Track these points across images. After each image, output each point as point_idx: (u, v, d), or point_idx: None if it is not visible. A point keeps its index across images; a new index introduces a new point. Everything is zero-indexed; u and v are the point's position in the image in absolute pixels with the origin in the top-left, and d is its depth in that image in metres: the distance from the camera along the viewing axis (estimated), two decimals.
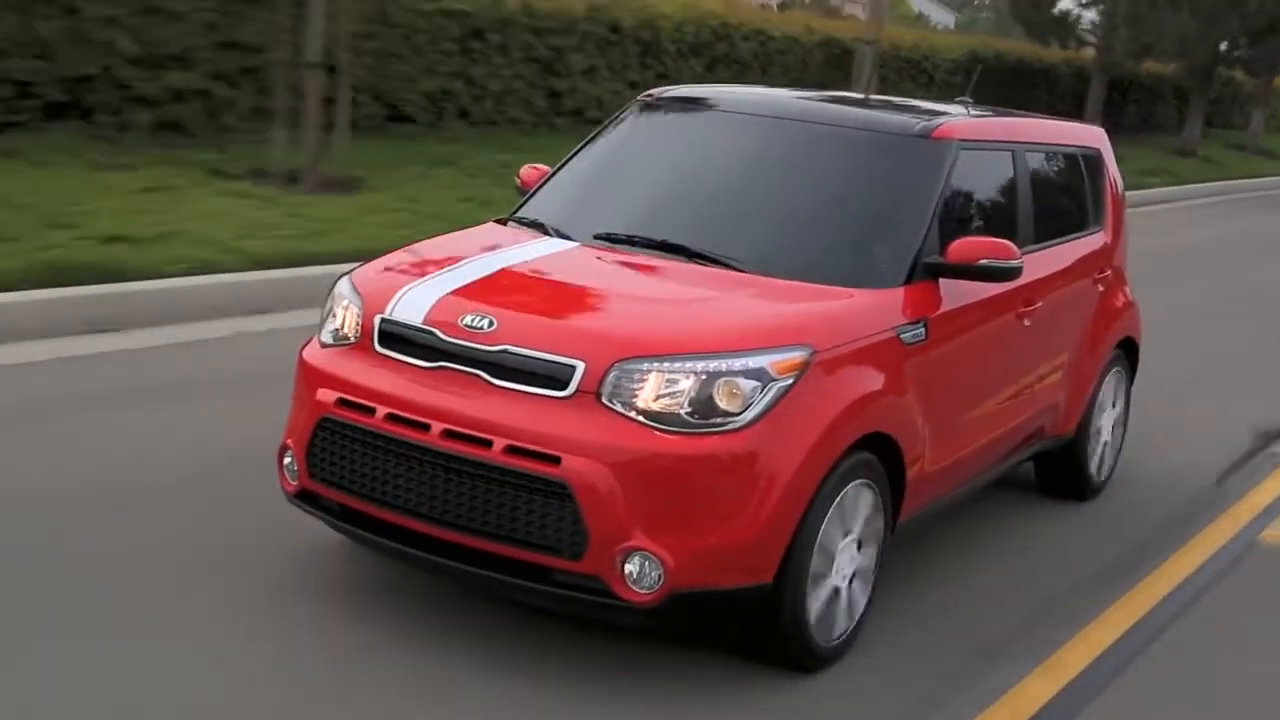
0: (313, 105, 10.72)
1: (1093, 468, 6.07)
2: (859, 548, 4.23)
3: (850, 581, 4.22)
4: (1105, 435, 6.16)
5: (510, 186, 5.72)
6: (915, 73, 22.21)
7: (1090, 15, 26.80)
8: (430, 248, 4.75)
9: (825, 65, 19.75)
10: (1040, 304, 5.24)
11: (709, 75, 17.35)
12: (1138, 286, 6.39)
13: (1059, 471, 6.01)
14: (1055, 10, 26.56)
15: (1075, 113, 24.40)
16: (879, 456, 4.24)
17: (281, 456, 4.34)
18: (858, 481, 4.14)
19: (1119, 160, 6.44)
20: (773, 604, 3.95)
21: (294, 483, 4.28)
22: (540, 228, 4.86)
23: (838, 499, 4.05)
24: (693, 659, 4.15)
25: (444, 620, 4.23)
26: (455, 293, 4.15)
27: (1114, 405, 6.23)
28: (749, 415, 3.82)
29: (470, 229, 5.10)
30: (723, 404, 3.81)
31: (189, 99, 11.38)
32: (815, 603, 4.06)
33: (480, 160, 12.83)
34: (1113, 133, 6.81)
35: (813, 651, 4.12)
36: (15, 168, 9.56)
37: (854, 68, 17.90)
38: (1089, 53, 26.52)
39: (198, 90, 11.43)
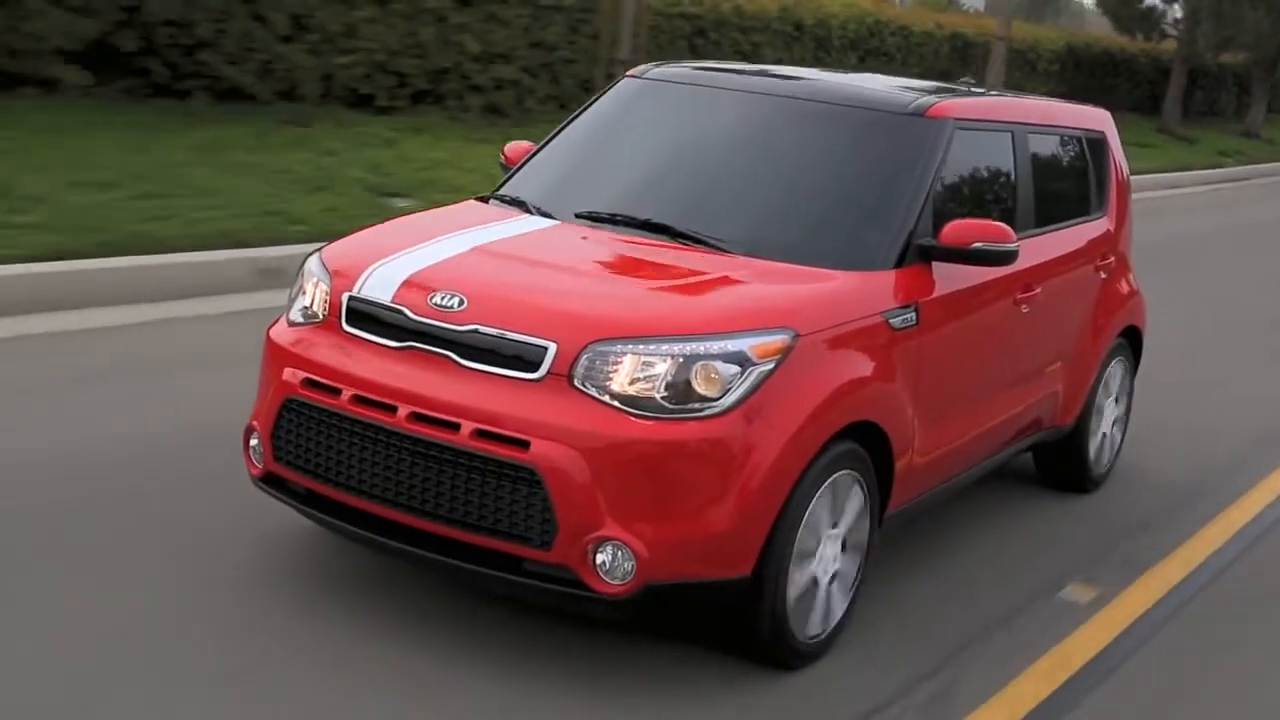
0: None
1: (1093, 459, 5.90)
2: (843, 541, 4.07)
3: (834, 575, 4.06)
4: (1106, 427, 5.99)
5: None
6: (1021, 63, 24.18)
7: (1175, 10, 28.59)
8: (404, 225, 4.60)
9: (950, 57, 22.27)
10: (1039, 290, 5.07)
11: (862, 66, 19.56)
12: (1230, 256, 6.20)
13: (1058, 463, 5.85)
14: (1142, 4, 28.42)
15: (1151, 101, 27.66)
16: (866, 446, 4.08)
17: (247, 439, 4.20)
18: (842, 472, 3.98)
19: (1192, 142, 6.28)
20: (751, 597, 3.80)
21: (259, 466, 4.14)
22: (522, 205, 4.70)
23: (821, 490, 3.89)
24: (677, 653, 3.99)
25: (418, 607, 4.08)
26: (426, 270, 3.99)
27: (1116, 396, 6.06)
28: (727, 401, 3.66)
29: (448, 206, 4.95)
30: (700, 389, 3.66)
31: (506, 88, 14.35)
32: (796, 597, 3.90)
33: None
34: (1184, 117, 6.63)
35: (793, 647, 3.96)
36: (405, 137, 11.98)
37: (979, 60, 21.34)
38: (1171, 44, 28.09)
39: (512, 80, 14.40)
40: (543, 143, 5.16)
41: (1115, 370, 5.99)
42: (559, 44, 14.76)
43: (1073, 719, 3.97)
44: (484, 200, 4.91)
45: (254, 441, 4.16)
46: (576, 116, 5.22)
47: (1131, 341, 6.12)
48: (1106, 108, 6.17)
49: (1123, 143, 6.11)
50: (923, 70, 20.83)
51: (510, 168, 5.14)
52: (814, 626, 4.03)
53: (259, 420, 4.12)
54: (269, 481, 4.13)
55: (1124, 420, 6.21)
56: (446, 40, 13.54)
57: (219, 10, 11.42)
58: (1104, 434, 5.98)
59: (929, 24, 22.50)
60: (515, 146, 5.24)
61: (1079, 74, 26.13)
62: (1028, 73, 24.37)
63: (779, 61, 17.35)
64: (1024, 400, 5.20)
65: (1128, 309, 5.99)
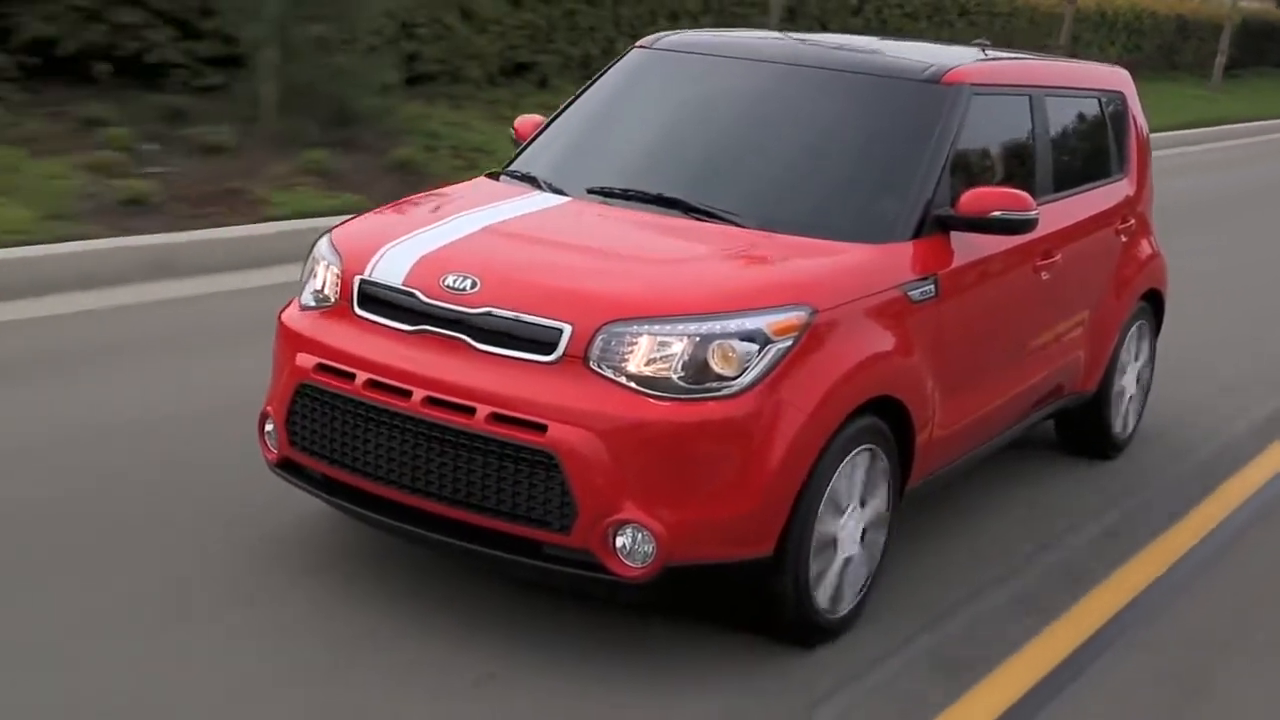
0: None
1: (1116, 425, 5.84)
2: (865, 516, 4.03)
3: (856, 552, 4.02)
4: (1129, 391, 5.92)
5: None
6: (1127, 34, 25.99)
7: None
8: (414, 204, 4.54)
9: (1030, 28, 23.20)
10: (1059, 256, 5.00)
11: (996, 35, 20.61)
12: None
13: (1080, 429, 5.79)
14: None
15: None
16: (886, 421, 4.03)
17: (262, 424, 4.16)
18: (863, 448, 3.93)
19: None
20: (773, 576, 3.76)
21: (274, 451, 4.11)
22: (532, 182, 4.64)
23: (841, 466, 3.84)
24: (694, 631, 3.96)
25: (432, 589, 4.06)
26: (437, 252, 3.94)
27: (1138, 360, 5.99)
28: (745, 380, 3.61)
29: (459, 184, 4.88)
30: (717, 368, 3.60)
31: None
32: (818, 575, 3.87)
33: None
34: None
35: (816, 625, 3.93)
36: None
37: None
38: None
39: None
40: (553, 116, 5.10)
41: (1137, 334, 5.91)
42: None
43: (1079, 685, 3.94)
44: (494, 177, 4.85)
45: (269, 427, 4.13)
46: (586, 89, 5.15)
47: (1153, 304, 6.04)
48: (1169, 67, 6.09)
49: None
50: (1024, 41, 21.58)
51: (521, 142, 5.08)
52: (836, 603, 3.99)
53: (273, 406, 4.09)
54: (285, 467, 4.10)
55: (1146, 385, 6.14)
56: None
57: None
58: (1127, 398, 5.91)
59: None
60: (526, 120, 5.17)
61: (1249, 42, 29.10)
62: (1131, 47, 25.92)
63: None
64: (1045, 368, 5.14)
65: (1149, 271, 5.91)
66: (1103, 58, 21.68)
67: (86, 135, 9.05)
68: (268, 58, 9.67)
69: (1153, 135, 14.74)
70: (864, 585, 4.11)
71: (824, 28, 17.52)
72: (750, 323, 3.64)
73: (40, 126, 9.04)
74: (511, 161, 4.92)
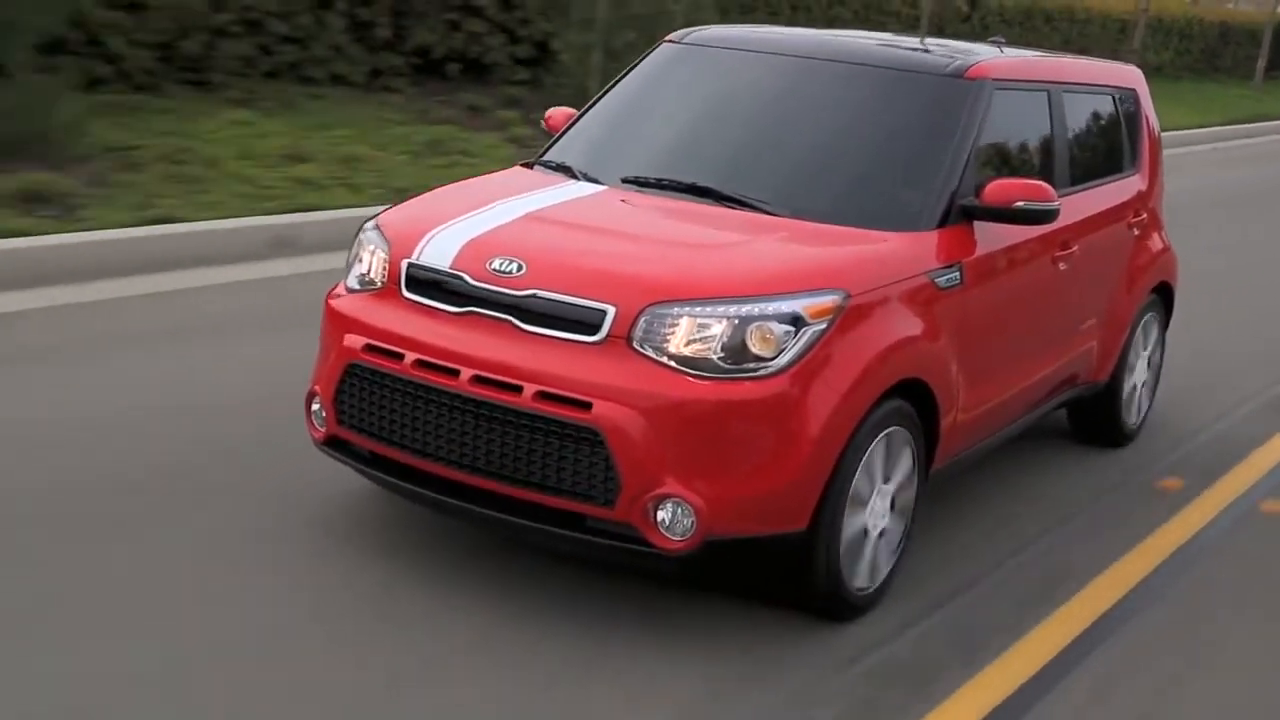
0: None
1: (1126, 415, 6.00)
2: (893, 496, 4.17)
3: (883, 529, 4.17)
4: (1139, 382, 6.08)
5: None
6: (1179, 39, 28.16)
7: None
8: (457, 191, 4.68)
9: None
10: (1076, 248, 5.15)
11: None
12: None
13: (1092, 419, 5.94)
14: None
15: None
16: (913, 404, 4.17)
17: (309, 403, 4.30)
18: (892, 428, 4.08)
19: None
20: (807, 551, 3.91)
21: (321, 429, 4.25)
22: (568, 171, 4.79)
23: (872, 446, 3.99)
24: (721, 605, 4.11)
25: (473, 565, 4.20)
26: (483, 236, 4.08)
27: (1148, 351, 6.14)
28: (782, 360, 3.76)
29: (497, 173, 5.02)
30: (756, 349, 3.75)
31: None
32: (850, 550, 4.01)
33: None
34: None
35: (846, 599, 4.08)
36: None
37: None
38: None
39: None
40: (585, 108, 5.24)
41: (1148, 326, 6.07)
42: None
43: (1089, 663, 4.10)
44: (529, 166, 4.99)
45: (316, 406, 4.27)
46: (617, 82, 5.29)
47: (1164, 297, 6.20)
48: (1213, 70, 6.33)
49: None
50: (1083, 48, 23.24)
51: (553, 133, 5.22)
52: (865, 579, 4.13)
53: (320, 385, 4.22)
54: (332, 444, 4.23)
55: (1156, 375, 6.30)
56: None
57: None
58: (1137, 389, 6.07)
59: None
60: (557, 112, 5.31)
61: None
62: (1182, 50, 28.49)
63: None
64: (1061, 356, 5.29)
65: (1160, 265, 6.06)
66: (1158, 60, 26.04)
67: (477, 118, 11.87)
68: (595, 60, 12.07)
69: (1210, 129, 16.51)
70: (891, 562, 4.25)
71: (940, 33, 18.93)
72: (787, 305, 3.79)
73: (448, 113, 11.88)
74: (545, 151, 5.06)
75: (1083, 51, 21.57)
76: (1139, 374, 6.06)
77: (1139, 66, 6.21)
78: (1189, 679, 4.04)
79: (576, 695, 3.60)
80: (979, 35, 19.66)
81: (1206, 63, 29.43)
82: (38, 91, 8.30)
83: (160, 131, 9.51)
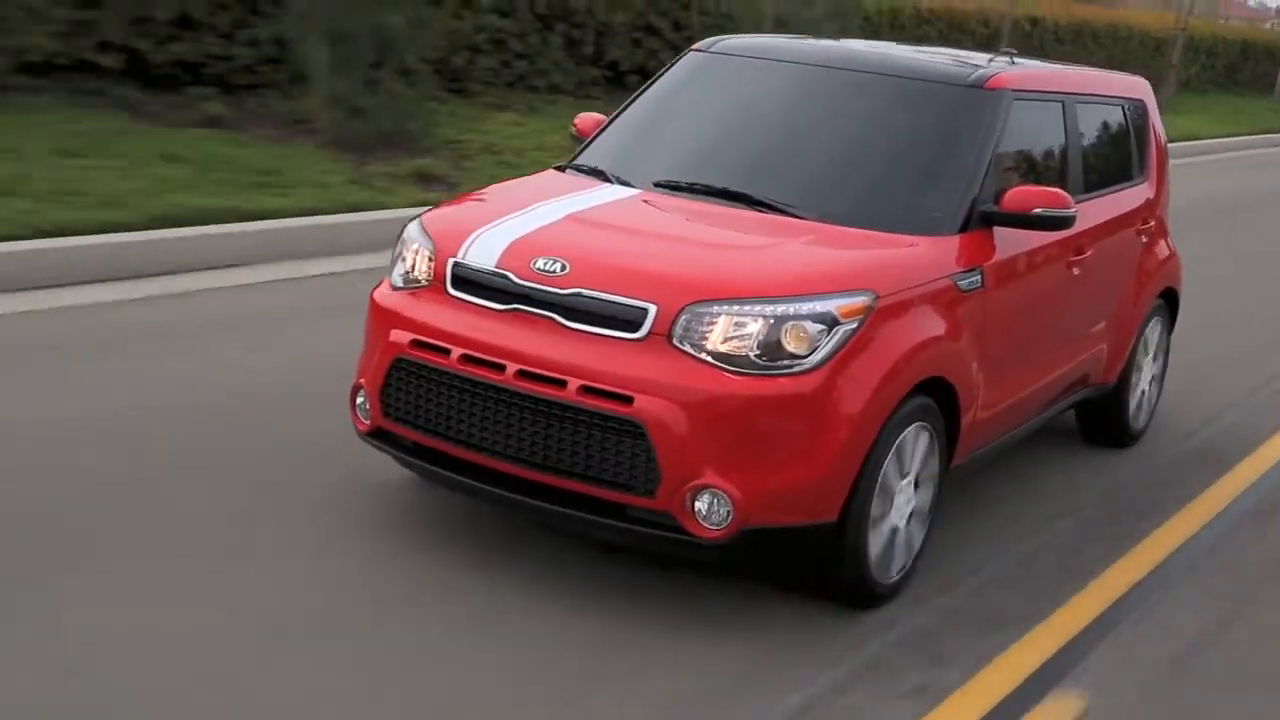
0: None
1: (1133, 416, 6.18)
2: (917, 490, 4.35)
3: (908, 521, 4.34)
4: (1145, 384, 6.26)
5: None
6: (1203, 54, 30.13)
7: None
8: (498, 193, 4.85)
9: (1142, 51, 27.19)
10: (1089, 253, 5.33)
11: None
12: None
13: (1100, 419, 6.12)
14: None
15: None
16: (936, 400, 4.34)
17: (354, 396, 4.46)
18: (916, 425, 4.25)
19: None
20: (836, 541, 4.08)
21: (367, 421, 4.41)
22: (600, 175, 4.95)
23: (898, 441, 4.16)
24: (755, 593, 4.28)
25: (508, 553, 4.37)
26: (527, 237, 4.25)
27: (1154, 355, 6.33)
28: (816, 358, 3.93)
29: (532, 176, 5.19)
30: (790, 346, 3.92)
31: None
32: (876, 541, 4.18)
33: None
34: None
35: (871, 589, 4.25)
36: None
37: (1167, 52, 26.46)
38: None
39: None
40: (614, 114, 5.40)
41: (1154, 330, 6.26)
42: None
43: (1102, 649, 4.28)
44: (561, 170, 5.16)
45: (360, 399, 4.43)
46: (645, 89, 5.46)
47: (1169, 302, 6.39)
48: (1233, 84, 6.57)
49: None
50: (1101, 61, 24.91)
51: (582, 139, 5.38)
52: (889, 569, 4.31)
53: (366, 378, 4.39)
54: (376, 436, 4.40)
55: (1160, 378, 6.48)
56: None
57: None
58: (1143, 391, 6.25)
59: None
60: (586, 118, 5.48)
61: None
62: (1208, 65, 30.55)
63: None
64: (1074, 358, 5.47)
65: (1166, 271, 6.25)
66: (1186, 74, 27.83)
67: None
68: None
69: (1241, 138, 19.51)
70: (913, 553, 4.42)
71: (997, 47, 20.25)
72: (820, 305, 3.96)
73: None
74: (577, 156, 5.22)
75: (1120, 66, 23.56)
76: (1145, 376, 6.24)
77: (1178, 80, 6.47)
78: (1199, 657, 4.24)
79: (634, 670, 3.77)
80: (1038, 51, 22.12)
81: (1227, 77, 31.51)
82: (403, 99, 10.86)
83: (463, 130, 11.69)
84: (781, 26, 14.42)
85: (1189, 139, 19.94)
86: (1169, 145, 6.45)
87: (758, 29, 14.14)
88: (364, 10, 10.23)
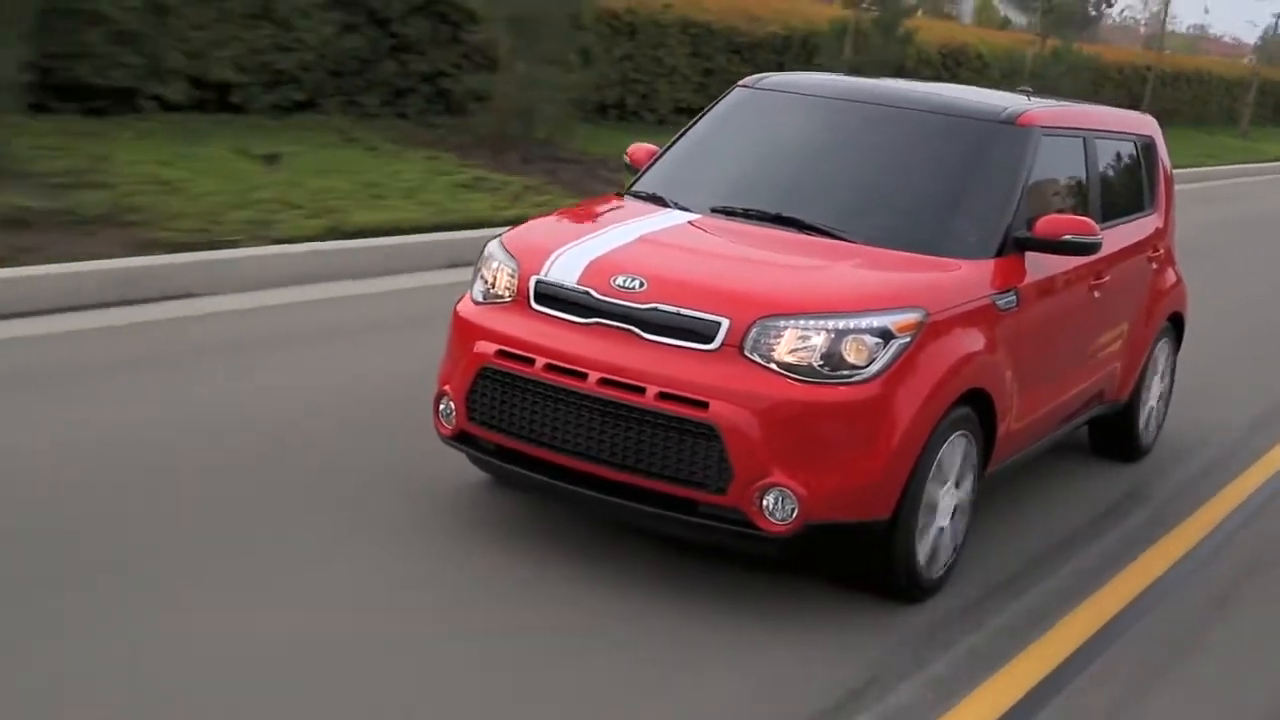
0: None
1: (1142, 431, 6.58)
2: (958, 493, 4.72)
3: (951, 522, 4.72)
4: (1153, 402, 6.67)
5: None
6: (1195, 85, 34.10)
7: None
8: (571, 216, 5.23)
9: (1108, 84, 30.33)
10: (1108, 278, 5.74)
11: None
12: None
13: (1112, 435, 6.52)
14: None
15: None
16: (975, 411, 4.73)
17: (438, 403, 4.81)
18: (960, 432, 4.63)
19: None
20: (888, 538, 4.45)
21: (449, 426, 4.76)
22: (659, 200, 5.33)
23: (944, 447, 4.54)
24: (811, 585, 4.65)
25: (579, 548, 4.72)
26: (605, 256, 4.62)
27: (1161, 375, 6.74)
28: (873, 369, 4.31)
29: (597, 199, 5.57)
30: (850, 358, 4.30)
31: None
32: (923, 539, 4.56)
33: None
34: None
35: (919, 583, 4.62)
36: None
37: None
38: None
39: None
40: (666, 145, 5.79)
41: (1162, 351, 6.67)
42: None
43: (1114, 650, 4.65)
44: (620, 196, 5.54)
45: (444, 405, 4.78)
46: (695, 122, 5.85)
47: (1175, 326, 6.81)
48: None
49: None
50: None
51: (636, 168, 5.77)
52: (935, 566, 4.68)
53: (451, 385, 4.74)
54: (459, 439, 4.75)
55: (1167, 396, 6.89)
56: None
57: None
58: (1151, 408, 6.66)
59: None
60: (639, 148, 5.87)
61: None
62: (1201, 95, 34.93)
63: None
64: (1093, 375, 5.88)
65: (1173, 296, 6.68)
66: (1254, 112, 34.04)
67: None
68: None
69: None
70: (955, 552, 4.80)
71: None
72: (878, 321, 4.35)
73: None
74: (634, 183, 5.61)
75: (1203, 105, 33.46)
76: (1154, 394, 6.65)
77: (1249, 117, 7.05)
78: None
79: (694, 664, 4.13)
80: (1132, 91, 28.50)
81: (1275, 113, 38.48)
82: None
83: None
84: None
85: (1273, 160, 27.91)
86: (1240, 167, 6.91)
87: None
88: None
